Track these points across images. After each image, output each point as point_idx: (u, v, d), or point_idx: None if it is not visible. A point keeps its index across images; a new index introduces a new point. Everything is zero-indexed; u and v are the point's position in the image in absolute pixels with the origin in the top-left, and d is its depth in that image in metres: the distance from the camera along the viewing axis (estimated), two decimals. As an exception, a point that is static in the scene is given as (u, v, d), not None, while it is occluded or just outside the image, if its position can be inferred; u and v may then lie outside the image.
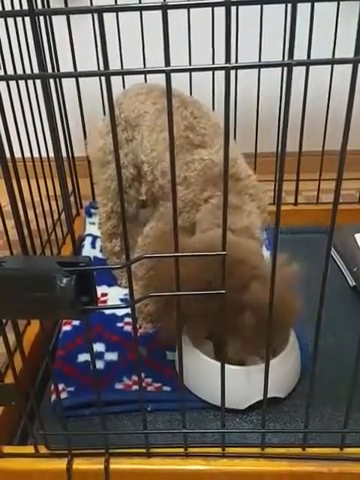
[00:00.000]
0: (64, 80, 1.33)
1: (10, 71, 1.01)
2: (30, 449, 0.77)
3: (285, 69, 0.44)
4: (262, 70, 1.28)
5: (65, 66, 1.29)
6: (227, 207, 0.53)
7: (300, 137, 1.36)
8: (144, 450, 0.75)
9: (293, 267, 0.85)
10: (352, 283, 1.22)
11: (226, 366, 0.69)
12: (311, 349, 0.66)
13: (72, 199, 1.49)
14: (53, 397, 0.89)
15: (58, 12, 0.61)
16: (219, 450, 0.75)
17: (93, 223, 1.41)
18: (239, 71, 1.13)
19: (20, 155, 1.04)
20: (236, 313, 0.78)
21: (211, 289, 0.69)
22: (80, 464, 0.75)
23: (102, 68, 0.45)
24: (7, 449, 0.78)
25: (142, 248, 1.03)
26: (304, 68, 1.20)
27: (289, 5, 0.44)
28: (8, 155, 0.56)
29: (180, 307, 0.61)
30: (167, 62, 0.44)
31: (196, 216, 0.93)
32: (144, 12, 1.12)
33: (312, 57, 1.15)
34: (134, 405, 0.88)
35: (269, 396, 0.73)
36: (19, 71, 1.06)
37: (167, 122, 0.45)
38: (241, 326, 0.79)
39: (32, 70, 1.10)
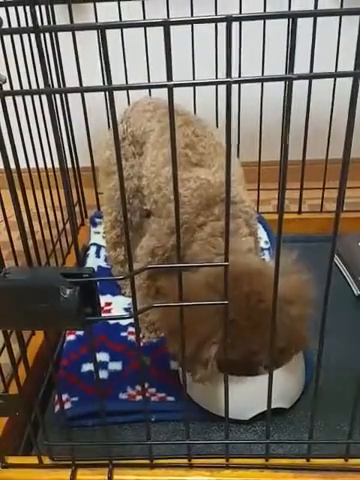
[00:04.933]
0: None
1: (16, 85, 1.02)
2: (34, 459, 0.77)
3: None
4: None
5: (72, 77, 1.31)
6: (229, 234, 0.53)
7: (304, 145, 1.36)
8: (148, 461, 0.75)
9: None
10: (357, 292, 1.22)
11: (230, 376, 0.69)
12: (316, 359, 0.66)
13: (77, 209, 1.50)
14: (57, 407, 0.89)
15: (63, 29, 0.62)
16: (223, 461, 0.75)
17: (98, 232, 1.42)
18: (243, 81, 1.14)
19: (25, 165, 1.05)
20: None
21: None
22: (84, 475, 0.75)
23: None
24: (11, 459, 0.78)
25: (139, 259, 1.03)
26: (307, 77, 1.21)
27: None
28: (13, 165, 0.57)
29: (182, 317, 0.62)
30: (169, 77, 0.45)
31: (192, 246, 0.92)
32: (148, 28, 1.13)
33: (316, 69, 1.16)
34: (138, 415, 0.88)
35: (273, 406, 0.73)
36: (25, 84, 1.08)
37: (169, 139, 0.46)
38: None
39: (38, 84, 1.11)
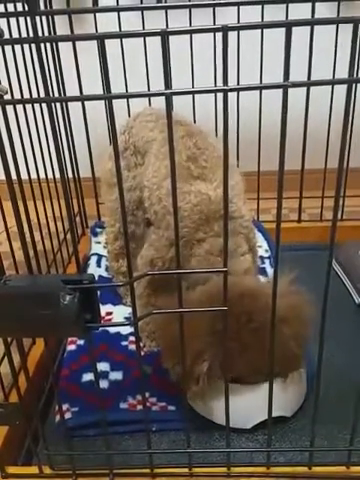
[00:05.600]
0: (72, 102, 1.36)
1: (17, 95, 1.03)
2: (34, 469, 0.76)
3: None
4: (264, 90, 1.30)
5: (73, 88, 1.33)
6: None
7: (303, 155, 1.37)
8: (149, 470, 0.75)
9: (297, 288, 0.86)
10: (357, 300, 1.22)
11: (231, 385, 0.69)
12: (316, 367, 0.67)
13: (78, 219, 1.51)
14: (57, 417, 0.89)
15: (63, 39, 0.63)
16: (224, 470, 0.75)
17: (99, 242, 1.42)
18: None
19: (26, 176, 1.05)
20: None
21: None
22: (84, 484, 0.75)
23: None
24: (11, 469, 0.78)
25: (139, 268, 1.04)
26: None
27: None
28: (14, 177, 0.57)
29: (183, 325, 0.62)
30: (167, 85, 0.45)
31: (191, 261, 0.92)
32: (148, 37, 1.14)
33: (314, 77, 1.17)
34: (139, 425, 0.87)
35: (275, 415, 0.73)
36: (26, 93, 1.09)
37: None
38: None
39: (39, 94, 1.12)
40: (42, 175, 1.18)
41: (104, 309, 1.17)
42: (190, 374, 0.80)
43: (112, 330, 1.09)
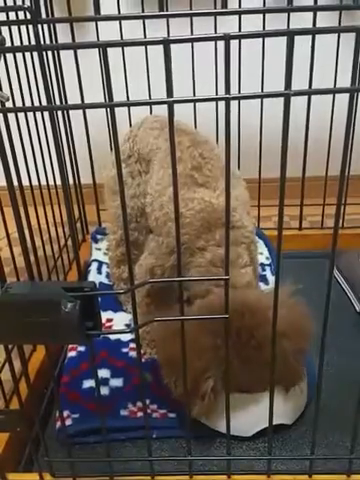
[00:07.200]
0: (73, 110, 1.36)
1: (19, 101, 1.04)
2: (35, 476, 0.76)
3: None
4: (265, 98, 1.31)
5: (74, 95, 1.33)
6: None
7: (304, 162, 1.37)
8: (149, 477, 0.75)
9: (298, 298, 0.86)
10: (358, 308, 1.22)
11: (232, 393, 0.69)
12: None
13: (79, 225, 1.51)
14: (58, 424, 0.89)
15: (65, 47, 0.63)
16: (225, 478, 0.75)
17: (99, 249, 1.42)
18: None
19: (28, 183, 1.06)
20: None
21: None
22: (84, 492, 0.74)
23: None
24: (12, 476, 0.78)
25: (138, 276, 1.04)
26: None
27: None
28: (16, 183, 0.58)
29: (184, 332, 0.62)
30: (169, 94, 0.45)
31: (191, 272, 0.91)
32: (149, 46, 1.15)
33: (316, 86, 1.18)
34: (139, 432, 0.87)
35: (275, 423, 0.72)
36: (27, 100, 1.09)
37: (176, 158, 0.46)
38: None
39: (40, 102, 1.12)
40: (43, 181, 1.19)
41: (105, 316, 1.17)
42: (194, 392, 0.79)
43: (112, 337, 1.09)
